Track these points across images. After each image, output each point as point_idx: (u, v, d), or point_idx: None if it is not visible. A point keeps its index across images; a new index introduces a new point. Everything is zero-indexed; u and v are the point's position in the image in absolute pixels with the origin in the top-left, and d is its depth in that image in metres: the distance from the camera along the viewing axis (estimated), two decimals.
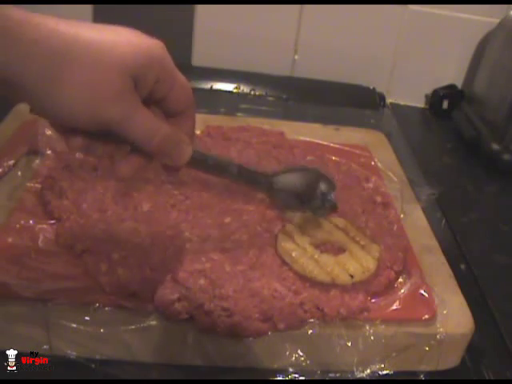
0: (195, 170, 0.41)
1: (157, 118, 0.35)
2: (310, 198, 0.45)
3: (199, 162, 0.39)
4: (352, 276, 0.41)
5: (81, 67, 0.31)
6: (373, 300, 0.41)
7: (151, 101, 0.35)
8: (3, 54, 0.29)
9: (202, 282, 0.39)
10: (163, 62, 0.35)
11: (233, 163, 0.42)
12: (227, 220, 0.46)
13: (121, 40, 0.33)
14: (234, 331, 0.38)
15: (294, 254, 0.42)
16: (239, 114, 0.73)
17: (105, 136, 0.34)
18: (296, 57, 0.84)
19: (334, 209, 0.45)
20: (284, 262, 0.43)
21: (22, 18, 0.30)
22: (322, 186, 0.45)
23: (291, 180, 0.45)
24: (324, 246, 0.44)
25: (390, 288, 0.43)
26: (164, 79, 0.35)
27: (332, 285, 0.41)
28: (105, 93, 0.31)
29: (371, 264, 0.42)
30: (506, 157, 0.69)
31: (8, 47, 0.29)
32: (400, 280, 0.44)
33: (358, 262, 0.42)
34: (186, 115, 0.38)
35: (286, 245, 0.43)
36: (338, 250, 0.44)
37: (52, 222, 0.45)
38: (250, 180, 0.44)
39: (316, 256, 0.42)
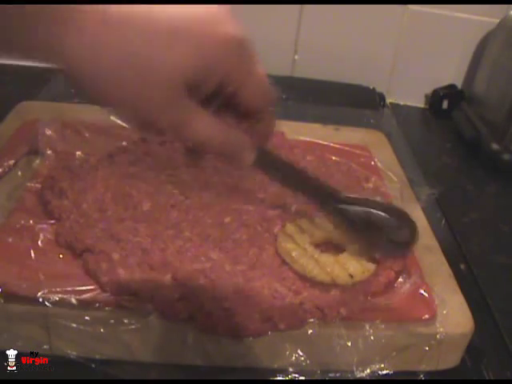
0: (261, 170, 0.39)
1: (217, 120, 0.32)
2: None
3: (266, 165, 0.38)
4: (352, 276, 0.41)
5: (129, 83, 0.29)
6: (373, 300, 0.41)
7: (217, 99, 0.32)
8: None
9: (201, 281, 0.39)
10: (232, 59, 0.31)
11: (301, 174, 0.41)
12: (227, 220, 0.46)
13: (176, 46, 0.28)
14: (234, 331, 0.38)
15: (293, 254, 0.42)
16: None
17: None
18: (296, 57, 0.84)
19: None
20: (284, 262, 0.43)
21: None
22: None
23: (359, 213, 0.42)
24: (324, 246, 0.44)
25: (389, 288, 0.43)
26: (232, 77, 0.31)
27: (332, 285, 0.41)
28: (152, 105, 0.30)
29: (371, 264, 0.42)
30: (506, 157, 0.69)
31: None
32: (400, 280, 0.44)
33: (357, 262, 0.42)
34: (261, 115, 0.35)
35: (286, 245, 0.43)
36: (338, 249, 0.44)
37: (52, 221, 0.45)
38: (313, 195, 0.42)
39: (316, 256, 0.42)
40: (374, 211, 0.42)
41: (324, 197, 0.42)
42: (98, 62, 0.28)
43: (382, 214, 0.42)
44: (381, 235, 0.42)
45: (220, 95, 0.32)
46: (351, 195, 0.43)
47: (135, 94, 0.29)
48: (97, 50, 0.28)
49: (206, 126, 0.32)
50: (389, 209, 0.42)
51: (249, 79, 0.33)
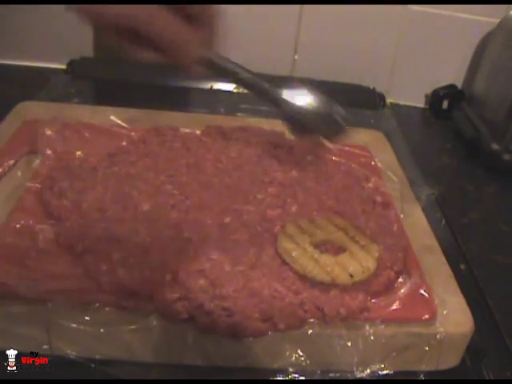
0: (209, 71, 0.43)
1: (171, 16, 0.38)
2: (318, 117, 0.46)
3: (213, 65, 0.43)
4: (352, 276, 0.41)
5: None
6: (373, 300, 0.41)
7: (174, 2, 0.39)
8: None
9: (201, 282, 0.39)
10: None
11: (246, 71, 0.45)
12: (227, 220, 0.46)
13: None
14: (234, 331, 0.38)
15: (294, 254, 0.42)
16: (239, 114, 0.73)
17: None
18: (296, 56, 0.84)
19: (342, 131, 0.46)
20: (284, 262, 0.43)
21: None
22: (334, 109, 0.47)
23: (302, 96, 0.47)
24: (324, 246, 0.44)
25: (389, 288, 0.43)
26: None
27: (332, 285, 0.41)
28: None
29: (371, 264, 0.42)
30: (506, 157, 0.69)
31: None
32: (400, 280, 0.44)
33: (357, 262, 0.42)
34: (207, 23, 0.41)
35: (286, 245, 0.43)
36: (338, 249, 0.44)
37: (52, 222, 0.45)
38: (259, 91, 0.46)
39: (316, 256, 0.42)
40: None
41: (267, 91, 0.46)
42: None
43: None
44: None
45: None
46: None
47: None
48: None
49: (165, 19, 0.38)
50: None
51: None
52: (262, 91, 0.46)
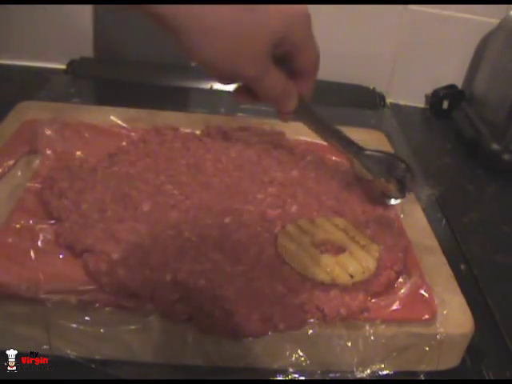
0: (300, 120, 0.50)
1: (281, 73, 0.41)
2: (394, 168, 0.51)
3: (305, 116, 0.49)
4: (352, 276, 0.41)
5: (229, 36, 0.37)
6: (373, 300, 0.41)
7: (281, 59, 0.41)
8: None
9: (202, 282, 0.39)
10: (302, 28, 0.40)
11: (330, 126, 0.50)
12: (227, 220, 0.46)
13: (272, 10, 0.37)
14: (234, 332, 0.38)
15: (294, 254, 0.42)
16: (239, 114, 0.73)
17: None
18: None
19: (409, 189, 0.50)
20: (284, 262, 0.43)
21: None
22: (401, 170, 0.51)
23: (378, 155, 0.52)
24: (324, 246, 0.44)
25: (389, 288, 0.43)
26: (299, 43, 0.40)
27: (332, 285, 0.41)
28: (247, 53, 0.37)
29: (371, 264, 0.42)
30: (506, 157, 0.69)
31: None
32: (400, 280, 0.44)
33: (357, 262, 0.42)
34: (308, 77, 0.44)
35: (286, 245, 0.43)
36: (338, 249, 0.44)
37: (52, 221, 0.45)
38: (341, 143, 0.51)
39: (316, 256, 0.42)
40: (380, 154, 0.52)
41: (352, 146, 0.51)
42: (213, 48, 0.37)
43: (385, 155, 0.53)
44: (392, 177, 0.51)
45: (286, 56, 0.41)
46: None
47: (234, 43, 0.37)
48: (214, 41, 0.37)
49: (275, 78, 0.41)
50: (387, 153, 0.54)
51: (308, 47, 0.41)
52: (341, 141, 0.51)
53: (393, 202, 0.51)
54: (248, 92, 0.43)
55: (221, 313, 0.38)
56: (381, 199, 0.51)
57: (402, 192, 0.50)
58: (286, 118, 0.47)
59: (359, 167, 0.51)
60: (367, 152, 0.51)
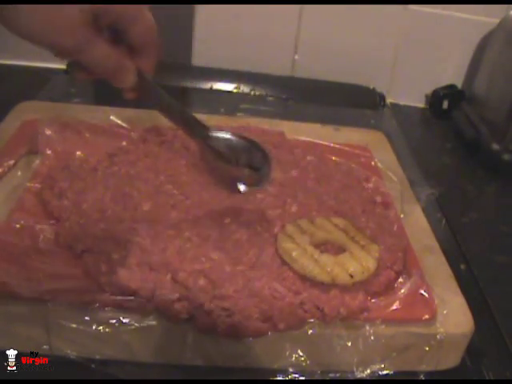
0: (144, 99, 0.45)
1: (110, 47, 0.39)
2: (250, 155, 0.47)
3: (148, 92, 0.45)
4: (352, 276, 0.41)
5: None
6: (373, 300, 0.41)
7: (112, 31, 0.40)
8: None
9: (201, 282, 0.39)
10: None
11: (176, 105, 0.45)
12: (227, 220, 0.46)
13: None
14: (234, 331, 0.38)
15: (294, 254, 0.42)
16: (239, 114, 0.73)
17: None
18: (296, 57, 0.84)
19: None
20: (284, 262, 0.43)
21: None
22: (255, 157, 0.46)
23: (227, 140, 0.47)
24: (324, 246, 0.44)
25: (389, 288, 0.43)
26: (124, 14, 0.39)
27: (332, 285, 0.41)
28: (60, 26, 0.36)
29: (371, 264, 0.42)
30: (506, 157, 0.69)
31: None
32: (400, 280, 0.44)
33: (357, 262, 0.42)
34: (146, 52, 0.43)
35: (286, 245, 0.43)
36: (338, 249, 0.44)
37: (52, 222, 0.45)
38: (187, 125, 0.47)
39: (316, 256, 0.42)
40: (234, 138, 0.47)
41: (195, 127, 0.47)
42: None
43: (241, 140, 0.47)
44: (240, 160, 0.46)
45: (114, 29, 0.40)
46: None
47: (45, 13, 0.36)
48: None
49: (101, 50, 0.39)
50: (245, 138, 0.48)
51: (138, 16, 0.40)
52: (188, 122, 0.47)
53: (242, 188, 0.45)
54: (82, 68, 0.42)
55: (220, 313, 0.38)
56: (233, 186, 0.46)
57: (258, 181, 0.45)
58: (128, 95, 0.44)
59: (208, 151, 0.46)
60: (217, 134, 0.47)
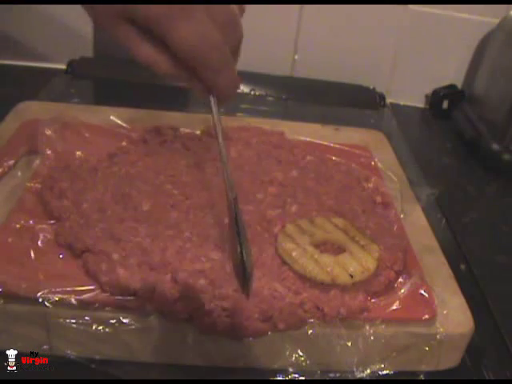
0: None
1: (151, 45, 0.37)
2: None
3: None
4: (352, 276, 0.41)
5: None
6: (373, 300, 0.41)
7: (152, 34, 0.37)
8: None
9: (201, 282, 0.39)
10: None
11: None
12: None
13: None
14: (234, 331, 0.38)
15: (294, 254, 0.42)
16: (239, 114, 0.73)
17: None
18: (296, 57, 0.84)
19: None
20: (284, 262, 0.43)
21: None
22: None
23: None
24: (324, 246, 0.44)
25: (389, 288, 0.43)
26: (162, 19, 0.36)
27: (332, 285, 0.41)
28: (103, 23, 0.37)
29: (371, 264, 0.42)
30: (506, 157, 0.69)
31: None
32: (400, 280, 0.44)
33: (357, 262, 0.42)
34: (202, 69, 0.39)
35: (286, 245, 0.43)
36: (338, 249, 0.44)
37: (52, 221, 0.45)
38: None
39: (316, 256, 0.42)
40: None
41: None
42: None
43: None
44: None
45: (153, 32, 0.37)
46: None
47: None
48: None
49: (142, 45, 0.37)
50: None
51: (180, 25, 0.36)
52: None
53: None
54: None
55: (220, 313, 0.38)
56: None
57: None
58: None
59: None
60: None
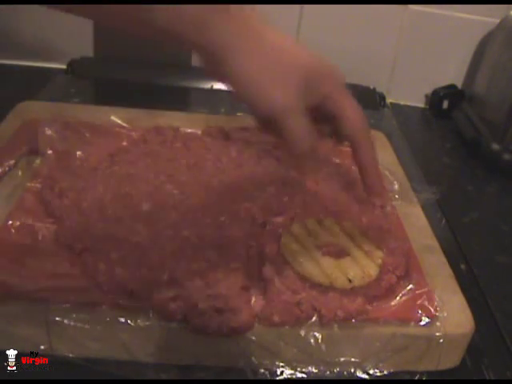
0: None
1: (312, 127, 0.38)
2: None
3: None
4: (351, 280, 0.41)
5: (266, 51, 0.36)
6: (372, 304, 0.41)
7: (320, 116, 0.39)
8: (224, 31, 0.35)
9: (197, 282, 0.39)
10: (336, 81, 0.39)
11: None
12: (226, 220, 0.46)
13: (300, 46, 0.39)
14: (227, 330, 0.37)
15: (295, 254, 0.42)
16: (239, 114, 0.73)
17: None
18: None
19: None
20: (285, 261, 0.42)
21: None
22: None
23: None
24: (326, 249, 0.44)
25: (390, 291, 0.42)
26: (334, 98, 0.39)
27: (331, 287, 0.41)
28: (278, 78, 0.36)
29: (373, 270, 0.42)
30: (506, 157, 0.69)
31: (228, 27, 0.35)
32: (401, 282, 0.43)
33: (359, 267, 0.42)
34: (357, 145, 0.41)
35: (289, 244, 0.43)
36: (341, 253, 0.44)
37: (52, 221, 0.45)
38: None
39: (317, 258, 0.42)
40: None
41: None
42: (251, 68, 0.36)
43: None
44: None
45: (321, 112, 0.39)
46: None
47: (268, 62, 0.36)
48: (252, 62, 0.36)
49: (304, 124, 0.38)
50: None
51: (345, 109, 0.40)
52: None
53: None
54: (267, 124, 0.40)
55: (213, 312, 0.37)
56: None
57: None
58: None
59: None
60: None
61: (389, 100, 0.86)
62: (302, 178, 0.51)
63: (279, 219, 0.47)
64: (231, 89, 0.37)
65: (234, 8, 0.36)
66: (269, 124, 0.39)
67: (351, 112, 0.40)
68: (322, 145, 0.43)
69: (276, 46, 0.37)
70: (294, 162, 0.42)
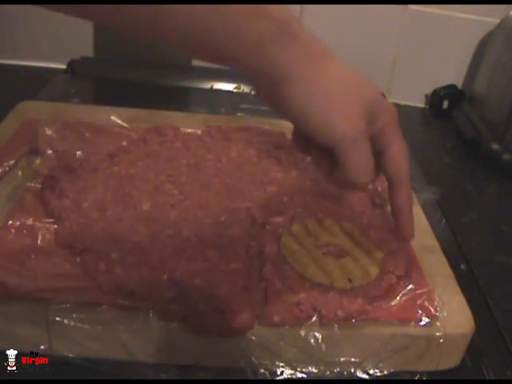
0: None
1: (370, 150, 0.37)
2: None
3: None
4: (350, 281, 0.41)
5: (330, 79, 0.36)
6: (372, 303, 0.41)
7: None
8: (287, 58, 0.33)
9: (197, 281, 0.39)
10: (392, 115, 0.40)
11: None
12: (226, 219, 0.46)
13: (361, 76, 0.39)
14: (226, 330, 0.37)
15: (296, 254, 0.42)
16: (239, 114, 0.73)
17: None
18: None
19: None
20: (285, 261, 0.42)
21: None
22: None
23: None
24: (327, 248, 0.44)
25: (390, 291, 0.42)
26: (386, 132, 0.38)
27: (331, 287, 0.41)
28: (343, 107, 0.35)
29: (372, 270, 0.42)
30: (506, 157, 0.69)
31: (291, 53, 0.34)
32: (401, 283, 0.43)
33: (359, 267, 0.42)
34: (397, 185, 0.42)
35: (289, 244, 0.43)
36: (341, 253, 0.44)
37: (52, 221, 0.45)
38: None
39: (318, 257, 0.42)
40: None
41: None
42: (315, 95, 0.35)
43: None
44: None
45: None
46: None
47: (334, 91, 0.36)
48: (317, 89, 0.35)
49: (369, 157, 0.37)
50: None
51: (395, 141, 0.39)
52: None
53: None
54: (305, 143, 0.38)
55: (213, 312, 0.38)
56: None
57: None
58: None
59: None
60: None
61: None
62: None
63: (279, 219, 0.47)
64: (287, 115, 0.35)
65: (298, 28, 0.35)
66: (310, 146, 0.38)
67: (398, 149, 0.40)
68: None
69: (340, 75, 0.37)
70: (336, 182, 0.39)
